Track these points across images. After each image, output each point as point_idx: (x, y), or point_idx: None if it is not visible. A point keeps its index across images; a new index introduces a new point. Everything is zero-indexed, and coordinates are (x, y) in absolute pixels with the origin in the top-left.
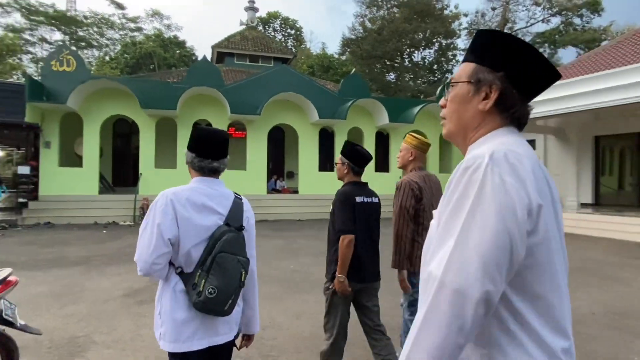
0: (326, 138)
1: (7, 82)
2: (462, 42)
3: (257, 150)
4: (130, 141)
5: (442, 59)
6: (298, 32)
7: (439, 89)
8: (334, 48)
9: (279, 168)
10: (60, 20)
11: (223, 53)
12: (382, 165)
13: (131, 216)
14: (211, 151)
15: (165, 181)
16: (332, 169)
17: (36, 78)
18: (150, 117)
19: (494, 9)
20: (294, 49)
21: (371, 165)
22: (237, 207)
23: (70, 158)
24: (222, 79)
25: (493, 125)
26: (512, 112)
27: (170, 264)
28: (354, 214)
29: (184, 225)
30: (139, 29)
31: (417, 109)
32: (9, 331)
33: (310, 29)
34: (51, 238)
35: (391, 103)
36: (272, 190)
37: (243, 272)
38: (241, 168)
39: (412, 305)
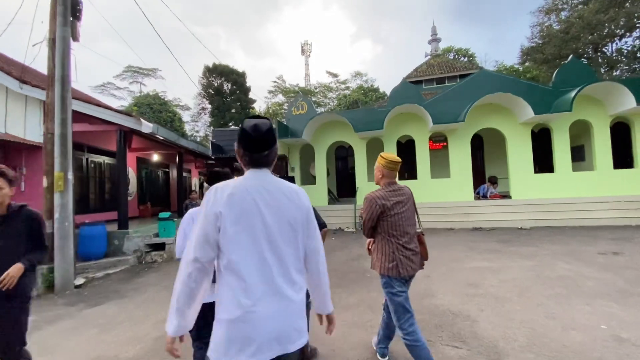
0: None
1: None
2: None
3: (460, 158)
4: (347, 162)
5: None
6: (471, 57)
7: None
8: (509, 63)
9: (479, 175)
10: (302, 92)
11: (412, 82)
12: (623, 161)
13: (352, 223)
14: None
15: None
16: (548, 170)
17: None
18: (361, 139)
19: None
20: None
21: (608, 162)
22: None
23: (308, 178)
24: (421, 96)
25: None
26: (243, 161)
27: None
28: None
29: None
30: (347, 88)
31: None
32: None
33: (481, 53)
34: None
35: (636, 83)
36: (480, 196)
37: None
38: (445, 176)
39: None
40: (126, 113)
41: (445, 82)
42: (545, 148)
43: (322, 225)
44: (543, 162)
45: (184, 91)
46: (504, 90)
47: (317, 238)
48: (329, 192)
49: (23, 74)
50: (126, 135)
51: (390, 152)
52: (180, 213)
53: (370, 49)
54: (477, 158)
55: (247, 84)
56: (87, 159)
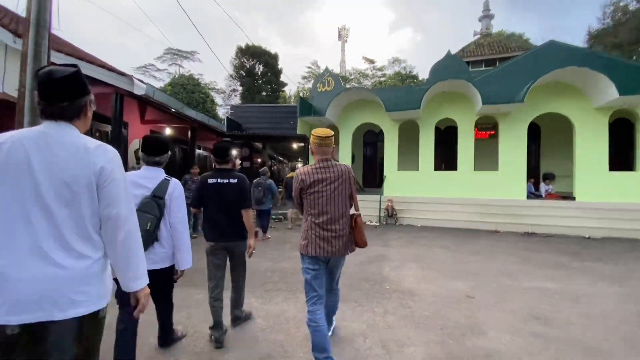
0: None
1: (290, 105)
2: None
3: (512, 147)
4: (376, 149)
5: None
6: (525, 43)
7: None
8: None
9: (532, 171)
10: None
11: None
12: None
13: (377, 216)
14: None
15: (407, 183)
16: (625, 168)
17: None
18: (393, 121)
19: None
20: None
21: None
22: (162, 185)
23: None
24: (469, 71)
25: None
26: (38, 111)
27: None
28: (203, 192)
29: None
30: (384, 75)
31: None
32: None
33: (537, 40)
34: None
35: None
36: (531, 195)
37: (150, 224)
38: (492, 169)
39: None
40: (120, 72)
41: (497, 65)
42: (620, 143)
43: (247, 205)
44: (617, 159)
45: (221, 75)
46: (578, 65)
47: (116, 205)
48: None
49: (17, 26)
50: (123, 98)
51: (428, 138)
52: None
53: (410, 37)
54: (531, 152)
55: (279, 67)
56: (91, 127)
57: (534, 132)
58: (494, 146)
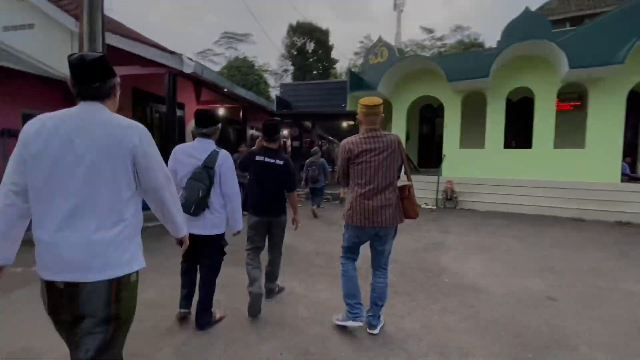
0: None
1: (340, 81)
2: None
3: (605, 121)
4: (434, 125)
5: None
6: None
7: None
8: None
9: (628, 148)
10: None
11: None
12: None
13: (434, 199)
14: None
15: (470, 163)
16: None
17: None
18: (456, 93)
19: None
20: None
21: None
22: (212, 156)
23: None
24: (551, 29)
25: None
26: (73, 93)
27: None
28: (249, 164)
29: (178, 163)
30: (444, 45)
31: None
32: None
33: None
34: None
35: None
36: (626, 177)
37: (201, 192)
38: (577, 146)
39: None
40: (170, 51)
41: (584, 23)
42: None
43: (293, 187)
44: None
45: (275, 57)
46: None
47: (154, 177)
48: (408, 160)
49: (79, 11)
50: (175, 78)
51: (497, 112)
52: None
53: (476, 2)
54: (628, 126)
55: (330, 43)
56: (151, 108)
57: (633, 102)
58: (580, 119)
